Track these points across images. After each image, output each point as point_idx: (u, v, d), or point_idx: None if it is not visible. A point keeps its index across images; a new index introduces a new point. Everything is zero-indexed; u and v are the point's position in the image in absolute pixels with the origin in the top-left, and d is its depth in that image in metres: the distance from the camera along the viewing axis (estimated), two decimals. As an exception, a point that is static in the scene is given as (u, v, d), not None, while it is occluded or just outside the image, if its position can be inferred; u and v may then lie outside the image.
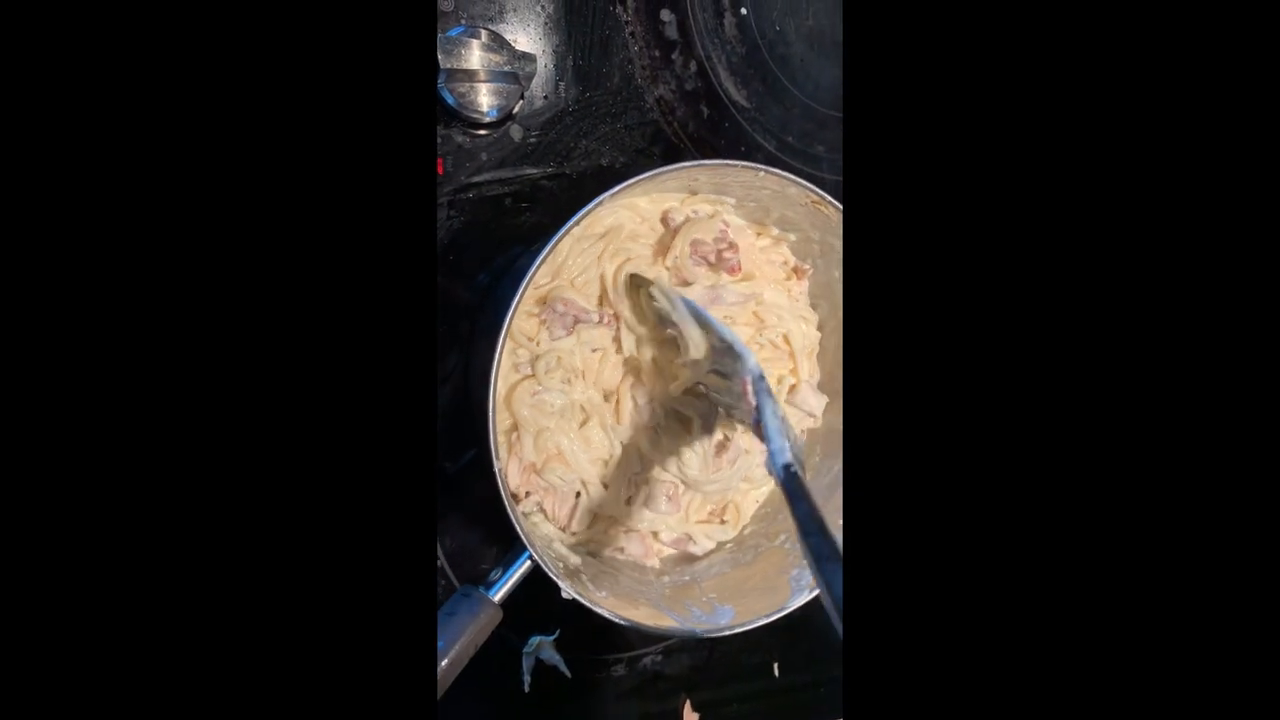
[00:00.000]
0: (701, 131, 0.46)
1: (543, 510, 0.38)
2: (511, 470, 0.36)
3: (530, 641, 0.43)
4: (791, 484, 0.29)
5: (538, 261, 0.32)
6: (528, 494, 0.37)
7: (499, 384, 0.33)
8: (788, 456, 0.30)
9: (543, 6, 0.43)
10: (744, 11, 0.46)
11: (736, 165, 0.34)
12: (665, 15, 0.45)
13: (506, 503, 0.32)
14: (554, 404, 0.37)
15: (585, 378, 0.37)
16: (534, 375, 0.37)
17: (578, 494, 0.38)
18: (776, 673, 0.49)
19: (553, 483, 0.37)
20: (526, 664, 0.43)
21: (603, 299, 0.38)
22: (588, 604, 0.33)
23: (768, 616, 0.36)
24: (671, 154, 0.46)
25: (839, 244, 0.38)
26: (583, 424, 0.38)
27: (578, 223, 0.32)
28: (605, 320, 0.38)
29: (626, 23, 0.44)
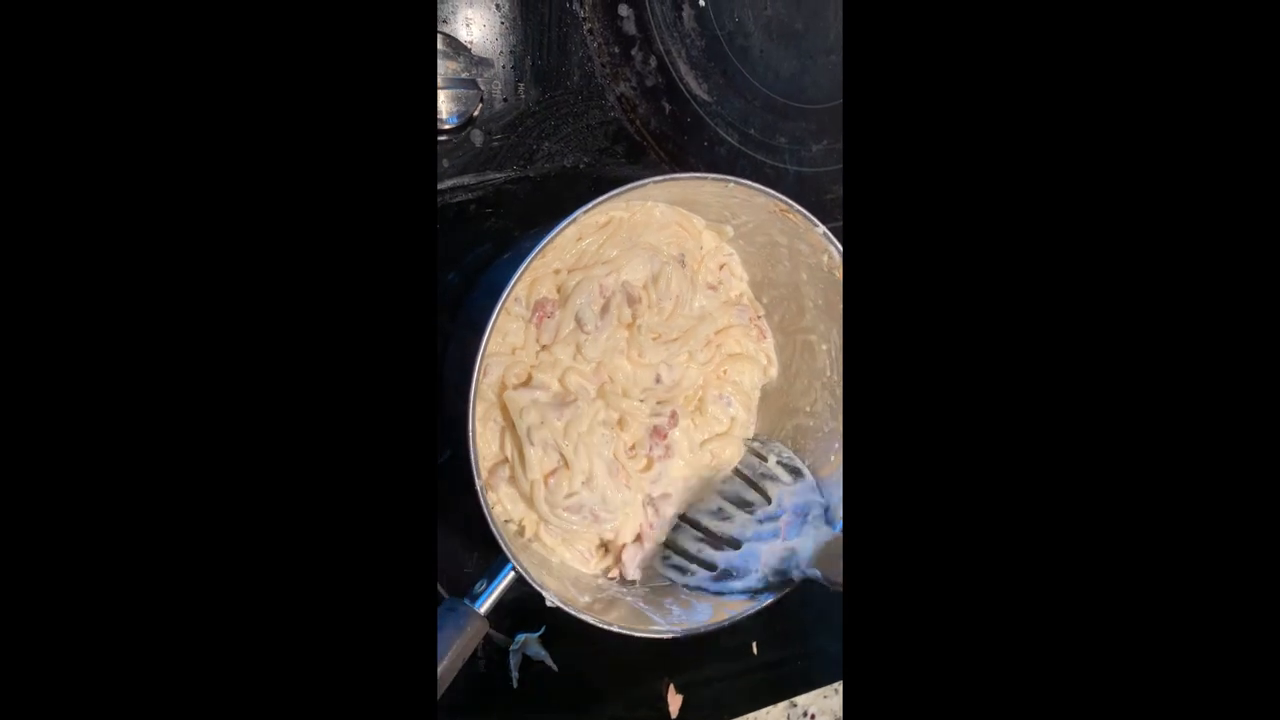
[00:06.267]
0: (664, 128, 0.46)
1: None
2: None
3: (516, 639, 0.45)
4: None
5: (509, 287, 0.32)
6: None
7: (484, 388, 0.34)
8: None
9: (497, 6, 0.42)
10: (702, 4, 0.46)
11: (706, 178, 0.35)
12: (623, 10, 0.44)
13: (488, 514, 0.33)
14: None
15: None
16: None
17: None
18: (755, 651, 0.51)
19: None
20: (514, 660, 0.45)
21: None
22: (573, 612, 0.34)
23: (742, 612, 0.37)
24: (635, 152, 0.45)
25: (805, 248, 0.39)
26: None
27: (548, 243, 0.33)
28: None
29: (584, 19, 0.44)
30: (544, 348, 0.39)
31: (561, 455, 0.37)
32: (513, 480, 0.38)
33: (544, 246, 0.32)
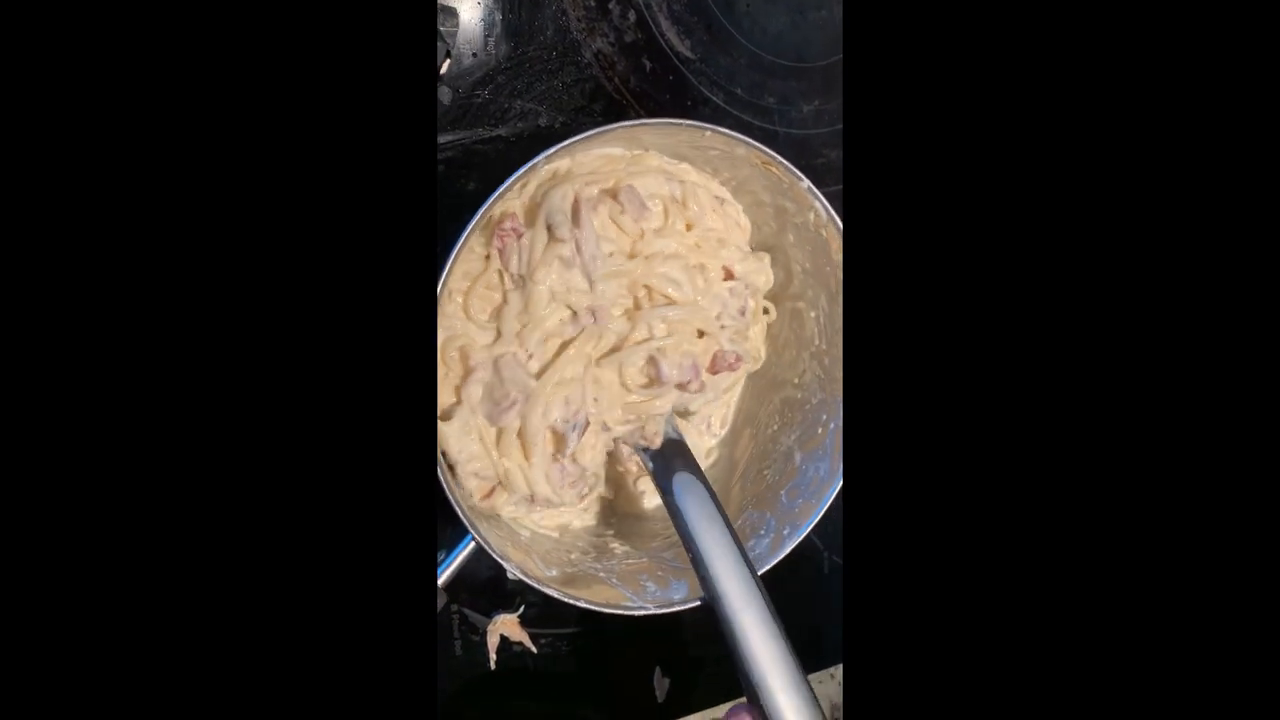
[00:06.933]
0: (644, 86, 0.44)
1: None
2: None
3: (493, 619, 0.43)
4: None
5: (469, 229, 0.31)
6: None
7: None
8: None
9: (466, -44, 0.40)
10: (684, -46, 0.44)
11: (681, 124, 0.33)
12: (600, -39, 0.42)
13: (444, 481, 0.31)
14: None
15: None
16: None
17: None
18: (745, 634, 0.49)
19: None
20: (491, 642, 0.43)
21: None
22: (535, 584, 0.32)
23: (724, 589, 0.35)
24: (614, 111, 0.43)
25: (791, 205, 0.37)
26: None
27: (509, 187, 0.31)
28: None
29: (558, -30, 0.42)
30: (517, 278, 0.34)
31: (499, 478, 0.34)
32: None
33: (502, 193, 0.30)
